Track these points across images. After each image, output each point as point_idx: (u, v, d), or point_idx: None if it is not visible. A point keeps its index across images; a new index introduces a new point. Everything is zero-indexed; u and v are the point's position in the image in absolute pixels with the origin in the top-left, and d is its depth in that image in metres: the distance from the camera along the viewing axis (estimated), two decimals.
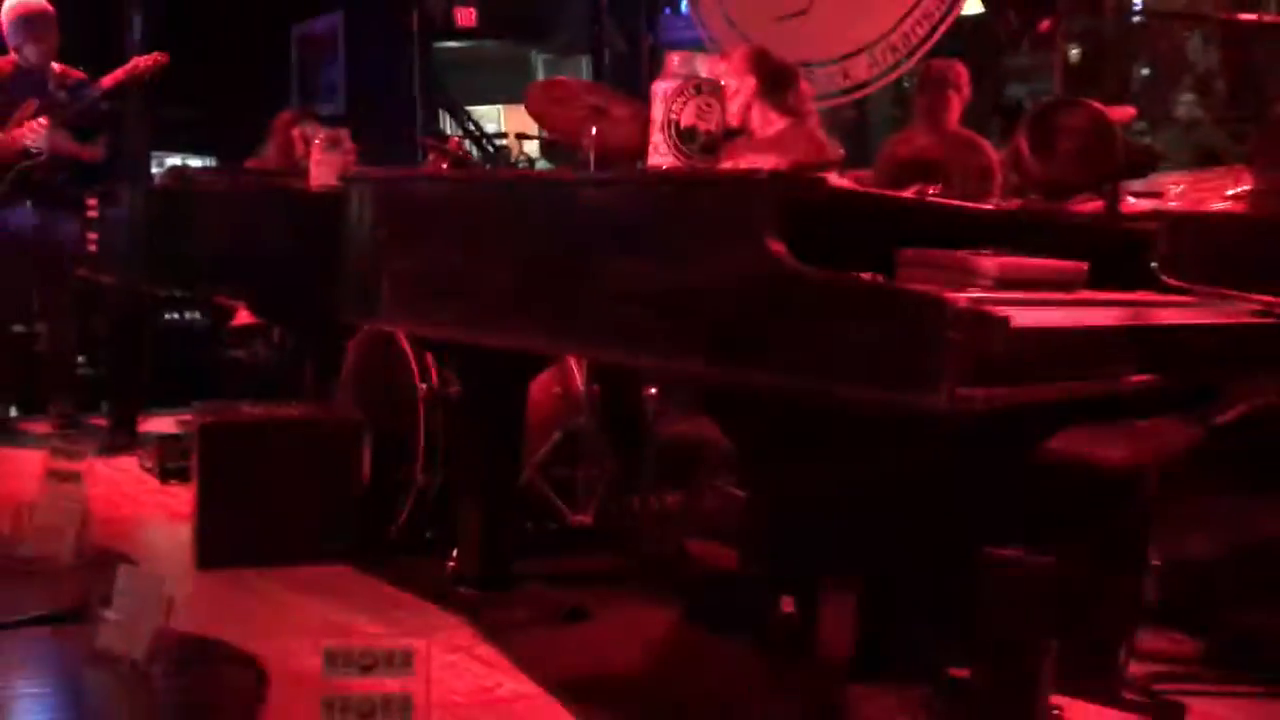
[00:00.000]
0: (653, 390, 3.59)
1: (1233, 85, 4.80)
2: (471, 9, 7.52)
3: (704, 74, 2.54)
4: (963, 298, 1.70)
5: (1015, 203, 3.28)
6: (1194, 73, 4.77)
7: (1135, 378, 1.96)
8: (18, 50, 5.04)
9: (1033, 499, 2.23)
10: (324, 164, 4.16)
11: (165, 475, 4.20)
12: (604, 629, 2.80)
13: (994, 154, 4.21)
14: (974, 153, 4.23)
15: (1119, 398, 2.07)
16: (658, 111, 2.53)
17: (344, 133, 4.25)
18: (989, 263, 2.05)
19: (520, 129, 8.53)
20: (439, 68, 7.63)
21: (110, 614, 1.49)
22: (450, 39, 7.78)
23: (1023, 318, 1.70)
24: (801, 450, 1.99)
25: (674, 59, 2.54)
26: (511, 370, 2.97)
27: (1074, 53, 4.48)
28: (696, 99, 2.49)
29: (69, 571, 1.94)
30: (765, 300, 1.84)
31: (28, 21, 5.04)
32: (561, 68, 8.65)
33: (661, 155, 2.49)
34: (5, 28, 5.06)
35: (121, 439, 4.68)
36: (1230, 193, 3.76)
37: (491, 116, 9.30)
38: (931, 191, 2.79)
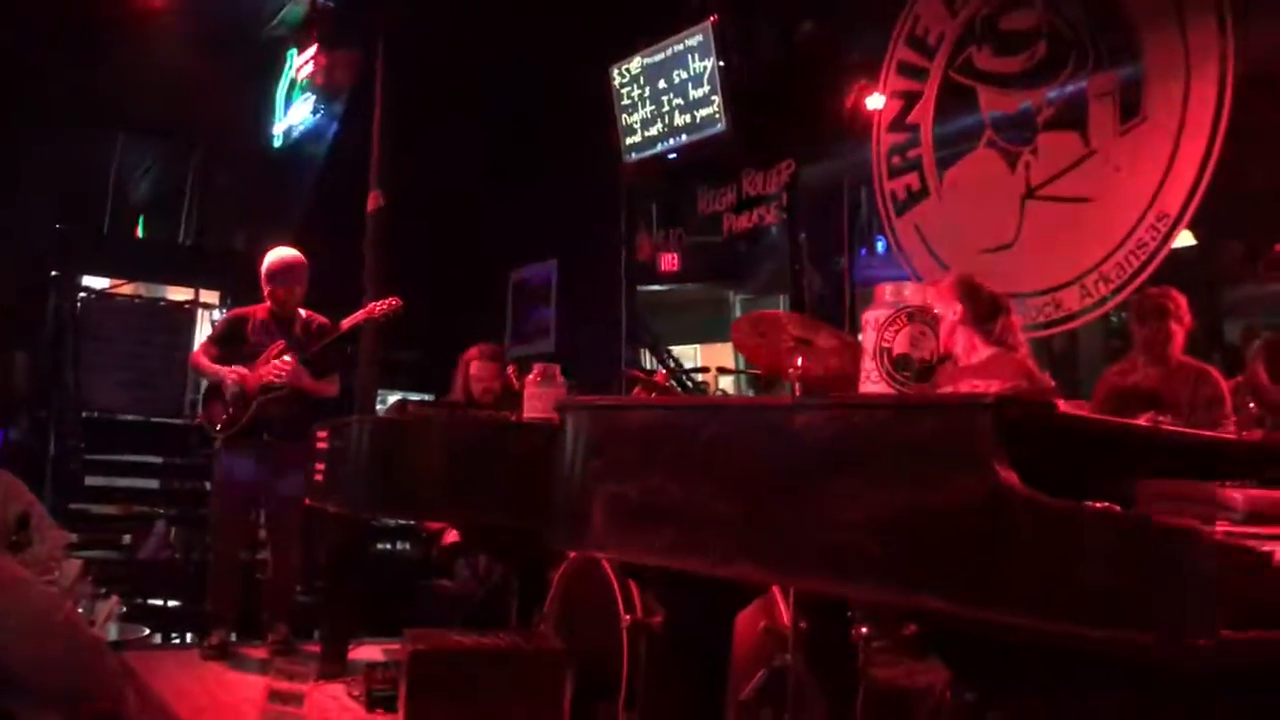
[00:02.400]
0: (864, 630, 3.43)
1: None
2: (675, 254, 7.84)
3: (915, 302, 2.54)
4: (1218, 531, 1.57)
5: (1257, 433, 3.08)
6: None
7: None
8: (272, 296, 5.52)
9: None
10: (537, 397, 4.33)
11: (372, 703, 4.23)
12: None
13: (1224, 383, 4.00)
14: (1201, 383, 4.03)
15: None
16: (869, 340, 2.53)
17: (555, 367, 4.43)
18: (1237, 495, 1.90)
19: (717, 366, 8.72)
20: (641, 309, 7.93)
21: None
22: (653, 283, 8.11)
23: None
24: (1036, 693, 1.84)
25: (885, 289, 2.55)
26: (719, 601, 2.89)
27: None
28: (909, 326, 2.49)
29: None
30: (994, 530, 1.75)
31: (285, 270, 5.55)
32: (759, 308, 8.87)
33: (874, 383, 2.47)
34: (264, 274, 5.58)
35: (333, 666, 4.76)
36: None
37: (689, 355, 9.57)
38: (1162, 421, 2.65)
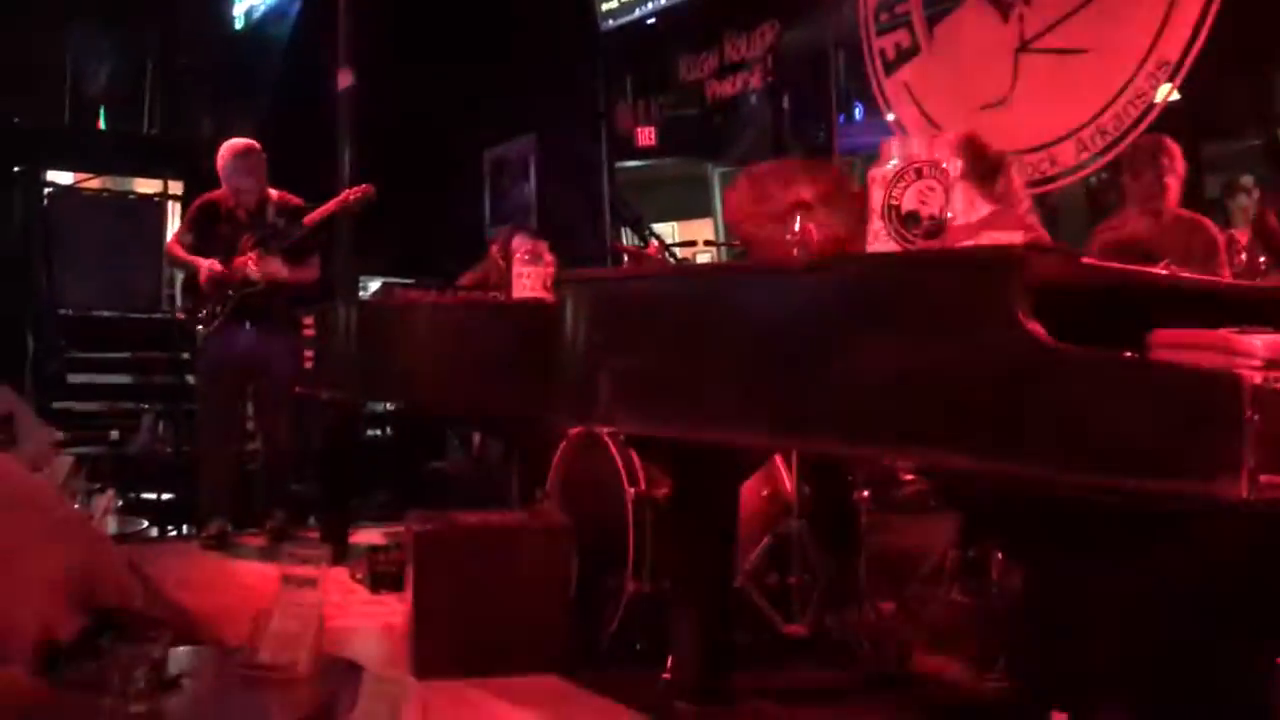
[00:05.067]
0: (865, 493, 3.45)
1: None
2: (653, 127, 7.66)
3: (923, 157, 2.46)
4: (1256, 375, 1.54)
5: (1275, 279, 3.05)
6: None
7: None
8: (232, 190, 5.37)
9: None
10: (525, 276, 4.26)
11: (376, 585, 4.26)
12: None
13: (1218, 233, 3.95)
14: (1195, 234, 3.98)
15: None
16: (876, 198, 2.45)
17: (543, 245, 4.35)
18: (1255, 341, 1.87)
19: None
20: (621, 186, 7.79)
21: None
22: (631, 158, 7.94)
23: None
24: (1067, 548, 1.83)
25: (892, 144, 2.47)
26: (725, 470, 2.87)
27: None
28: (918, 183, 2.42)
29: (307, 679, 1.91)
30: (1022, 384, 1.72)
31: (238, 163, 5.39)
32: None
33: (882, 243, 2.41)
34: (220, 170, 5.42)
35: (333, 551, 4.78)
36: None
37: (668, 233, 9.42)
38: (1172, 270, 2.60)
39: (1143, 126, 3.78)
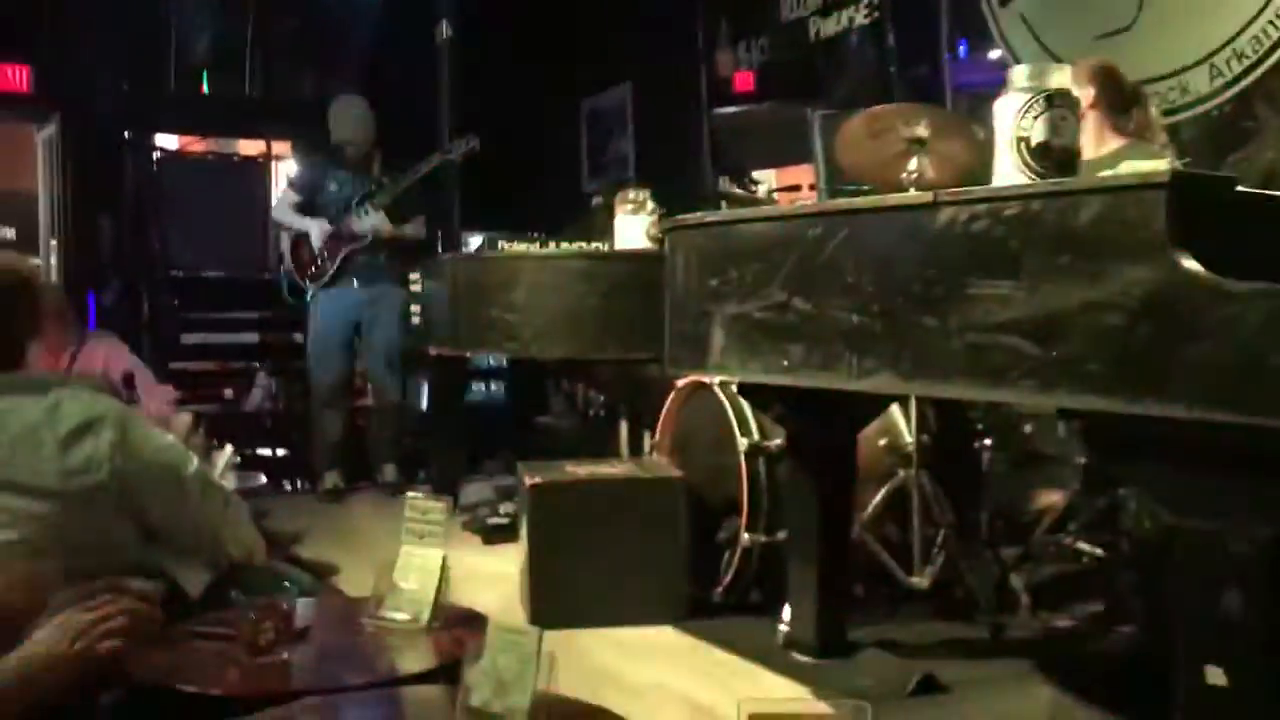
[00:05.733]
0: (987, 441, 3.33)
1: None
2: (750, 73, 7.50)
3: (1053, 85, 2.33)
4: None
5: None
6: None
7: None
8: (341, 147, 5.43)
9: None
10: (627, 225, 4.20)
11: (489, 536, 4.29)
12: (963, 703, 2.55)
13: None
14: None
15: None
16: (1004, 129, 2.33)
17: (645, 193, 4.28)
18: None
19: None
20: (720, 132, 7.65)
21: (482, 672, 1.42)
22: (729, 104, 7.80)
23: None
24: (1209, 496, 1.71)
25: (1020, 70, 2.34)
26: (841, 419, 2.80)
27: None
28: (1049, 113, 2.28)
29: (433, 630, 1.91)
30: (1175, 319, 1.61)
31: (349, 120, 5.44)
32: (840, 123, 8.48)
33: (1012, 176, 2.29)
34: (330, 127, 5.48)
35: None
36: None
37: (766, 180, 9.25)
38: None
39: None
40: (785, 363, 2.30)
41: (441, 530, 2.04)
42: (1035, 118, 2.25)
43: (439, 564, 1.98)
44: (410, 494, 2.15)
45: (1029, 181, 2.15)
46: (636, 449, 4.10)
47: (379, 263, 5.37)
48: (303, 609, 2.00)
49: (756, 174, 8.88)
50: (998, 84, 2.38)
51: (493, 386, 7.49)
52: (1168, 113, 3.80)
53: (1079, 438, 2.90)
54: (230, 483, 3.04)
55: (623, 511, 3.19)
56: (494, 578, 3.59)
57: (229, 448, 3.25)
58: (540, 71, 7.17)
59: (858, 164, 3.47)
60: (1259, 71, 3.61)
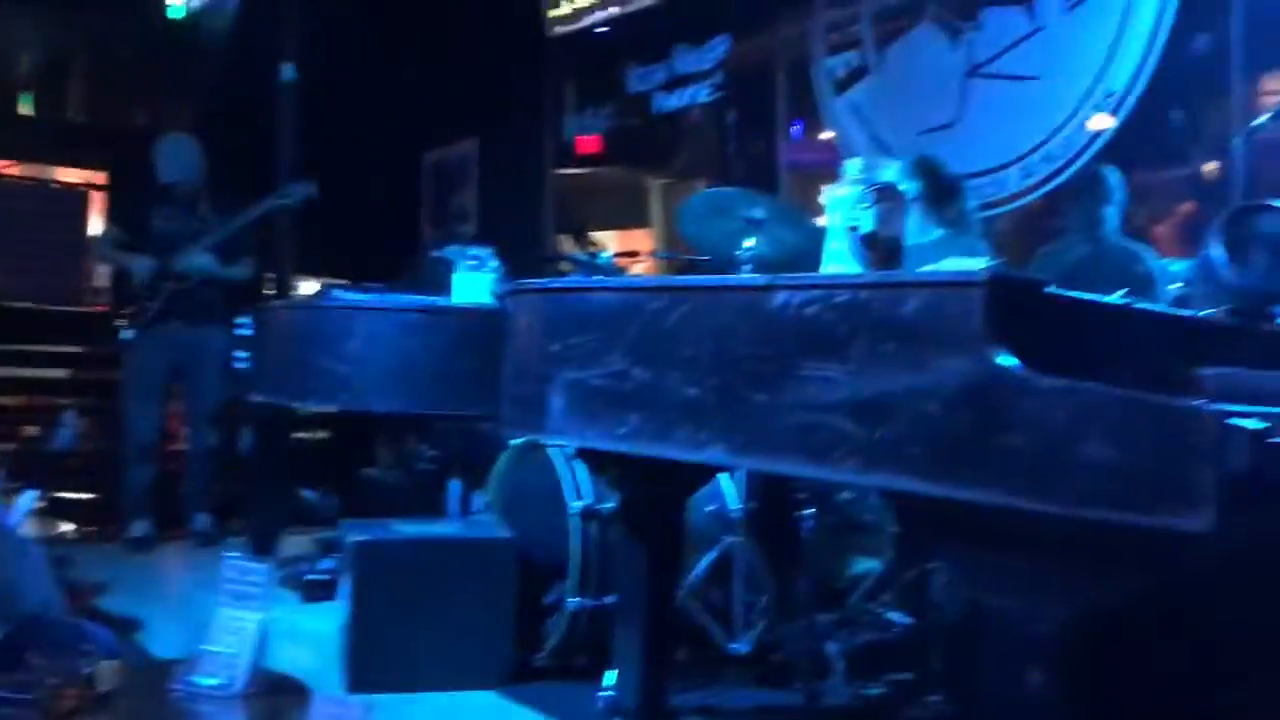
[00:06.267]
0: (810, 510, 3.44)
1: None
2: (594, 137, 7.63)
3: (882, 179, 2.47)
4: (1220, 409, 1.55)
5: (1218, 311, 3.10)
6: None
7: None
8: (168, 185, 5.26)
9: None
10: (469, 281, 4.20)
11: (308, 593, 4.16)
12: None
13: (1155, 262, 4.04)
14: (1134, 262, 4.06)
15: None
16: (836, 218, 2.46)
17: (488, 251, 4.30)
18: (1208, 375, 1.90)
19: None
20: (559, 194, 7.76)
21: None
22: (572, 165, 7.91)
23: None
24: (1015, 571, 1.82)
25: (852, 164, 2.48)
26: (674, 485, 2.85)
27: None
28: (878, 205, 2.42)
29: (245, 698, 1.84)
30: (990, 412, 1.71)
31: (177, 159, 5.28)
32: (678, 192, 8.72)
33: (841, 263, 2.41)
34: (158, 163, 5.30)
35: (261, 556, 4.66)
36: None
37: (606, 242, 9.38)
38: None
39: (1086, 155, 3.85)
40: (622, 430, 2.33)
41: (261, 593, 1.98)
42: (865, 209, 2.38)
43: (257, 628, 1.92)
44: (229, 554, 2.08)
45: (857, 269, 2.27)
46: (467, 507, 4.07)
47: (204, 304, 5.20)
48: (106, 672, 1.90)
49: (596, 235, 9.01)
50: (827, 164, 2.51)
51: (316, 433, 7.29)
52: (984, 206, 4.05)
53: (892, 509, 3.03)
54: (30, 529, 2.88)
55: (450, 572, 3.15)
56: (312, 637, 3.48)
57: (30, 491, 3.08)
58: (384, 120, 7.12)
59: (699, 236, 3.58)
60: (1066, 174, 3.91)
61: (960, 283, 1.80)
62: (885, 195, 2.41)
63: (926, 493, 1.80)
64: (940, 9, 4.28)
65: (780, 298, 2.03)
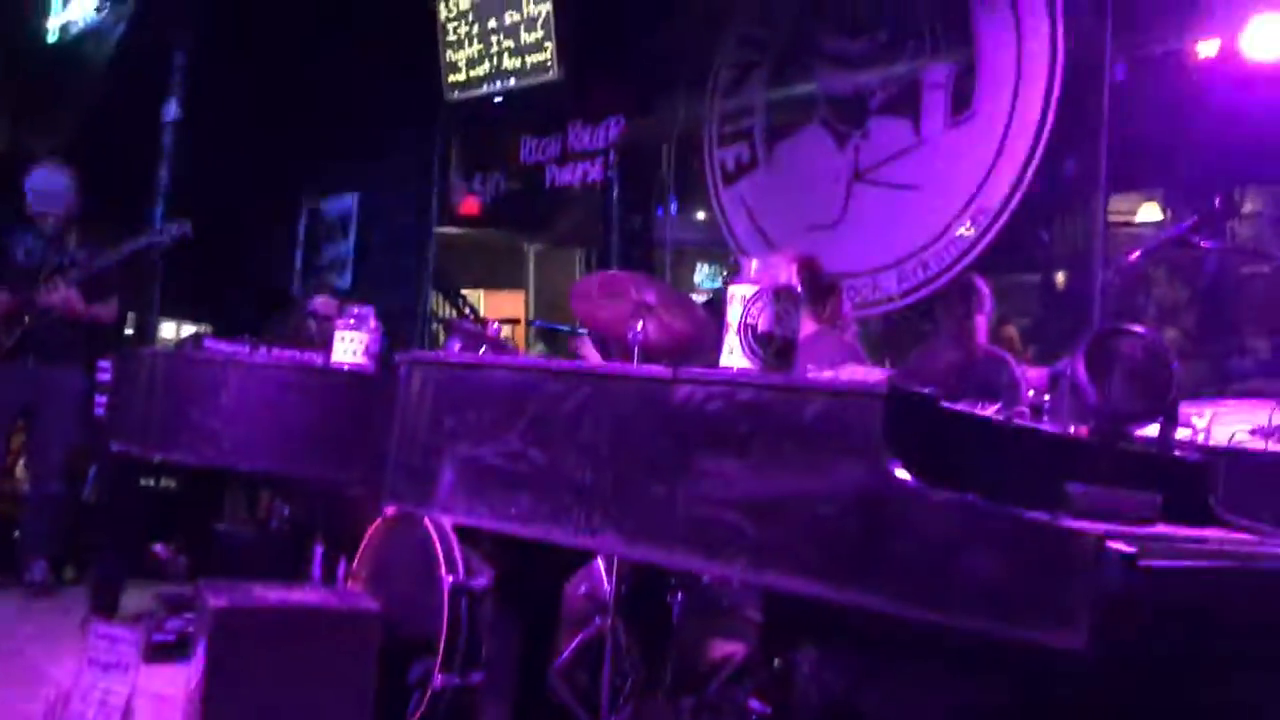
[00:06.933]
0: (679, 594, 3.46)
1: (1200, 318, 4.91)
2: (475, 197, 7.67)
3: (781, 281, 2.54)
4: (1099, 528, 1.64)
5: (1083, 430, 3.27)
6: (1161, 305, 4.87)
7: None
8: (38, 216, 5.07)
9: None
10: (349, 340, 4.12)
11: (153, 654, 3.96)
12: None
13: (1017, 371, 4.24)
14: (999, 370, 4.26)
15: None
16: (734, 314, 2.52)
17: (369, 311, 4.23)
18: (1076, 493, 2.00)
19: (497, 314, 8.60)
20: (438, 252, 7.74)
21: None
22: (452, 225, 7.92)
23: (1164, 558, 1.65)
24: (879, 667, 1.88)
25: (751, 264, 2.55)
26: (552, 564, 2.84)
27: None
28: (775, 306, 2.49)
29: None
30: (880, 520, 1.77)
31: (49, 190, 5.09)
32: (553, 258, 8.81)
33: (736, 357, 2.47)
34: (28, 193, 5.10)
35: (104, 610, 4.43)
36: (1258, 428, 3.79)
37: (475, 301, 9.39)
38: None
39: (961, 266, 4.04)
40: (514, 510, 2.32)
41: (131, 663, 1.89)
42: (763, 308, 2.45)
43: (124, 701, 1.83)
44: (97, 624, 1.98)
45: (752, 365, 2.32)
46: (332, 573, 3.95)
47: (63, 342, 4.97)
48: None
49: (470, 293, 9.00)
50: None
51: (162, 482, 7.00)
52: (859, 306, 4.21)
53: (759, 598, 3.08)
54: None
55: (313, 644, 3.05)
56: (157, 701, 3.31)
57: None
58: (266, 166, 7.00)
59: (589, 314, 3.61)
60: (939, 282, 4.09)
61: (861, 393, 1.87)
62: (783, 296, 2.48)
63: (815, 594, 1.84)
64: (830, 114, 4.46)
65: (683, 391, 2.07)
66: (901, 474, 1.76)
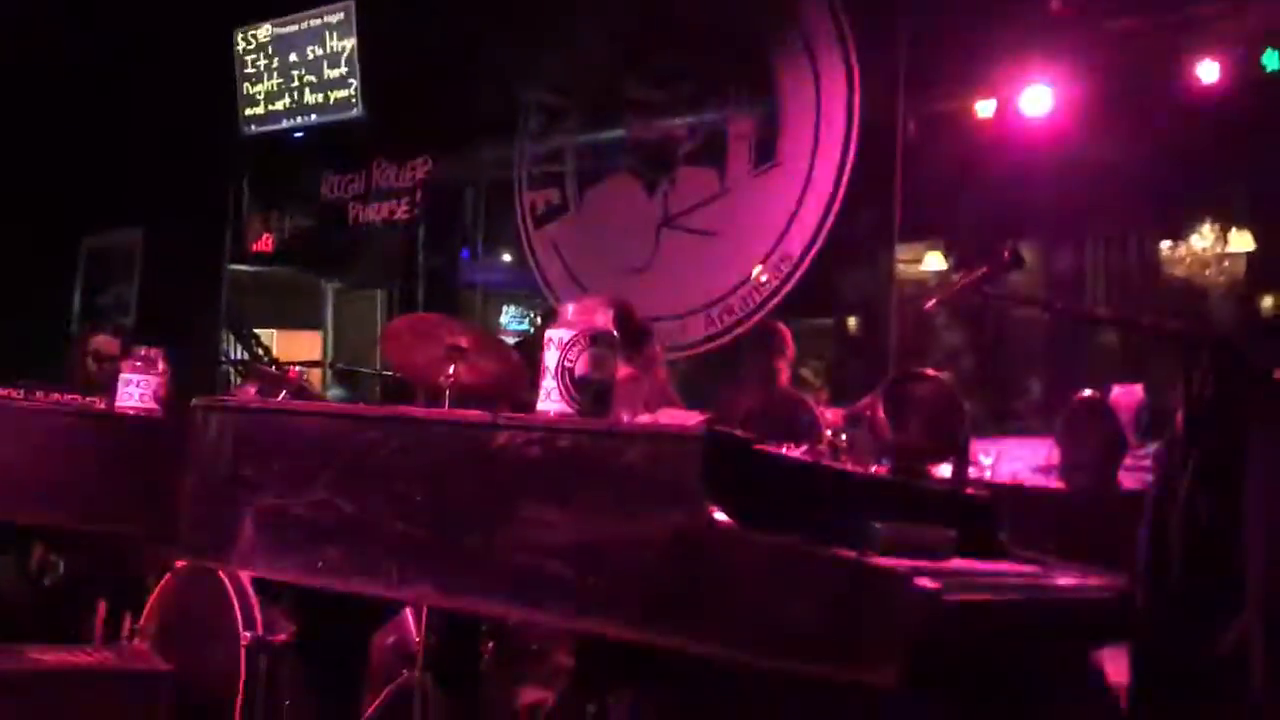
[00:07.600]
0: (490, 644, 3.40)
1: (980, 361, 5.25)
2: (269, 235, 7.43)
3: (598, 325, 2.55)
4: (904, 565, 1.70)
5: (883, 468, 3.40)
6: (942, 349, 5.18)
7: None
8: None
9: None
10: (135, 384, 3.89)
11: None
12: None
13: (817, 413, 4.40)
14: (800, 411, 4.41)
15: None
16: (551, 358, 2.51)
17: (158, 353, 4.01)
18: (879, 527, 2.08)
19: (291, 355, 8.33)
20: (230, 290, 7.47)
21: None
22: (245, 263, 7.64)
23: (964, 593, 1.72)
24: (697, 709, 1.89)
25: (568, 308, 2.55)
26: (359, 617, 2.74)
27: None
28: (592, 350, 2.49)
29: None
30: (699, 563, 1.78)
31: None
32: (353, 299, 8.60)
33: (554, 402, 2.45)
34: None
35: None
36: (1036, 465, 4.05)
37: (267, 340, 9.06)
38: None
39: (764, 311, 4.16)
40: (321, 563, 2.23)
41: None
42: (580, 352, 2.45)
43: None
44: None
45: (570, 409, 2.32)
46: (115, 634, 3.69)
47: None
48: None
49: (263, 332, 8.68)
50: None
51: None
52: (670, 349, 4.28)
53: (570, 642, 3.06)
54: None
55: (97, 709, 2.84)
56: None
57: None
58: (37, 201, 6.56)
59: (400, 359, 3.54)
60: (744, 326, 4.21)
61: (678, 437, 1.89)
62: (600, 340, 2.48)
63: (637, 640, 1.84)
64: (638, 161, 4.54)
65: (501, 437, 2.04)
66: (720, 516, 1.78)
